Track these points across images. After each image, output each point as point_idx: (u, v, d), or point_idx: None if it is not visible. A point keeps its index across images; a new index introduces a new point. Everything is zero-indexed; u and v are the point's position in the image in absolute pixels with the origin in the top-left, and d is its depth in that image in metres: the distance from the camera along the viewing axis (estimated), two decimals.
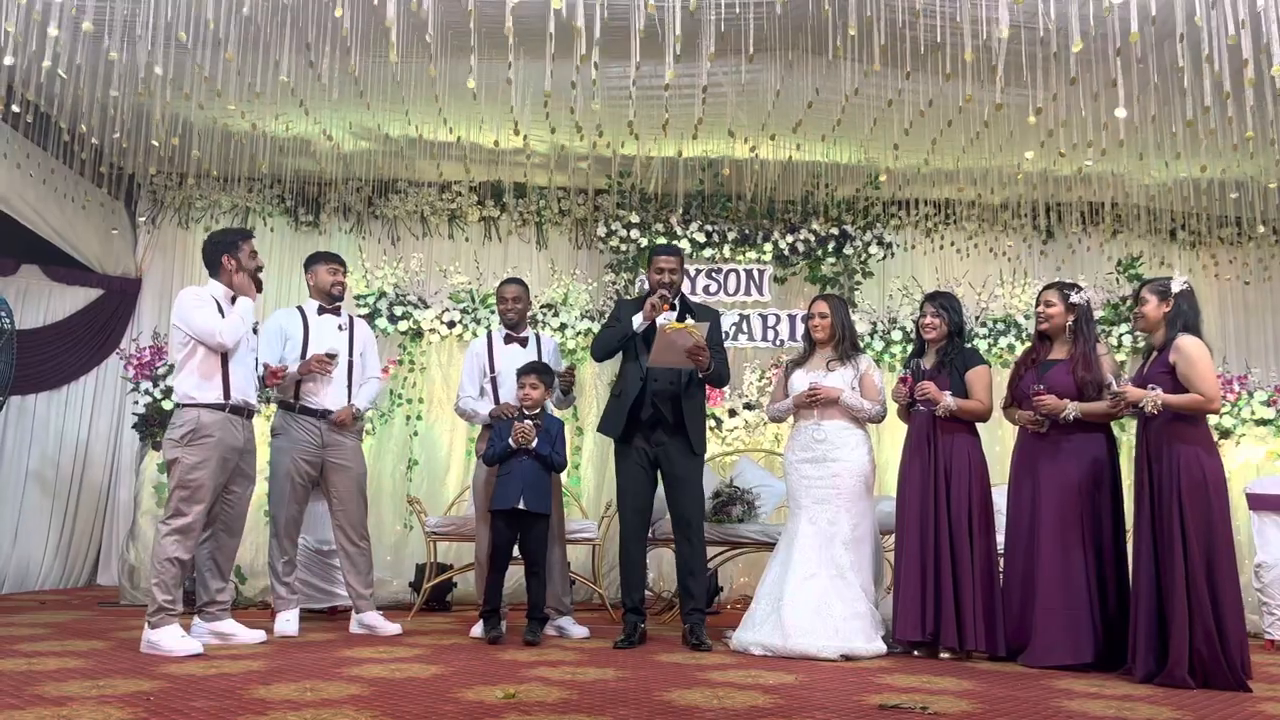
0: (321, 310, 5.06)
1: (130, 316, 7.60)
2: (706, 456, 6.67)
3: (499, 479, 4.76)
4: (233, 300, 4.46)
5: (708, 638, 4.64)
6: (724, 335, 7.17)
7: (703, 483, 4.93)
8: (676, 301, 4.85)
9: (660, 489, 4.90)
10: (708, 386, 5.08)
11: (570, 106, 5.53)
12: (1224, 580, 3.88)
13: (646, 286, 4.97)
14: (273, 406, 6.19)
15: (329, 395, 4.93)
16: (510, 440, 4.69)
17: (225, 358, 4.36)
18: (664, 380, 4.74)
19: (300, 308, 5.11)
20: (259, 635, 4.50)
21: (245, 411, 4.47)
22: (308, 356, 4.88)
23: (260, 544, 6.12)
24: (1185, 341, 4.05)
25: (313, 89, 5.66)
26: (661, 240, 7.26)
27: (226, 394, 4.36)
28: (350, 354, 5.03)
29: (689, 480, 4.78)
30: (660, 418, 4.74)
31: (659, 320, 4.66)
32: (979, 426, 4.75)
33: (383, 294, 6.96)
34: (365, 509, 5.10)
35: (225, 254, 4.47)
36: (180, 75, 5.49)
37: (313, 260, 5.17)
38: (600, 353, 4.98)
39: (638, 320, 4.77)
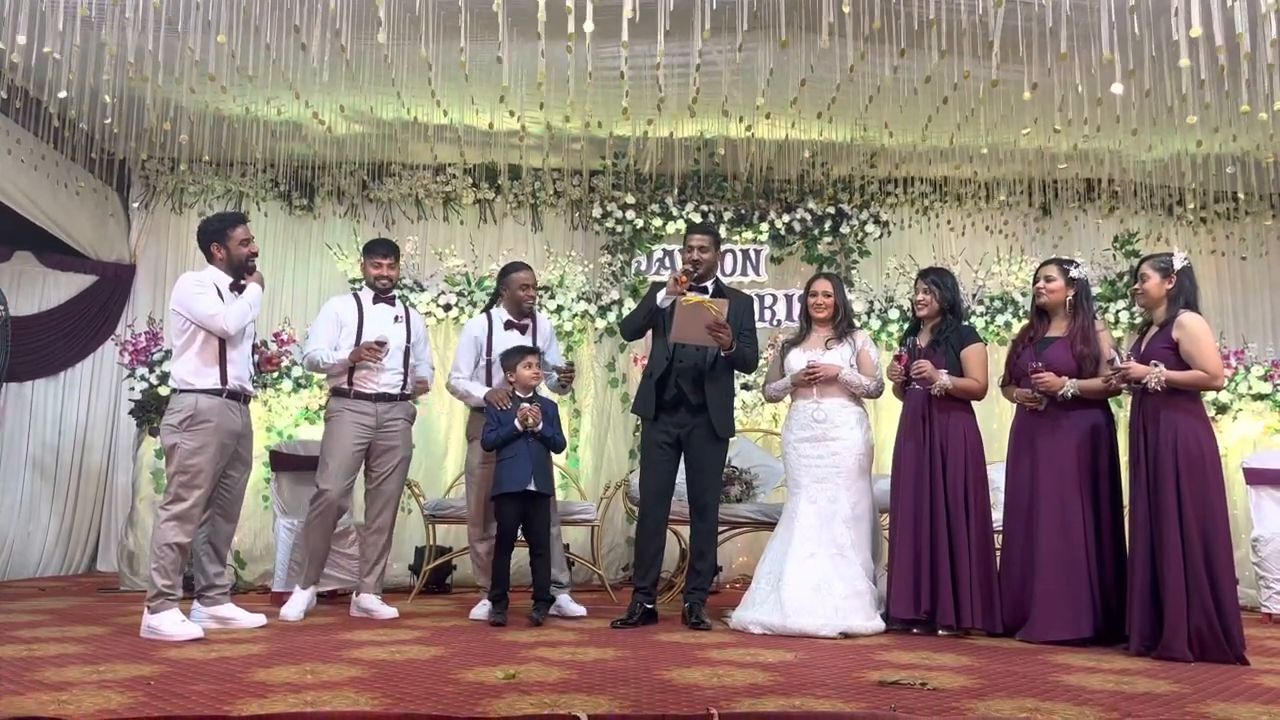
0: (376, 299, 5.09)
1: (125, 302, 7.57)
2: None
3: (502, 462, 4.76)
4: (233, 286, 4.45)
5: (707, 617, 4.65)
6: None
7: (722, 467, 4.96)
8: (710, 285, 4.85)
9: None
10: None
11: (566, 85, 5.50)
12: (1220, 554, 3.90)
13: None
14: (271, 390, 6.22)
15: (382, 380, 4.97)
16: (517, 423, 4.69)
17: (224, 344, 4.36)
18: (689, 360, 4.75)
19: (357, 295, 5.18)
20: (259, 619, 4.51)
21: (242, 397, 4.48)
22: (359, 344, 4.93)
23: (259, 529, 6.14)
24: (1189, 318, 4.05)
25: (304, 72, 5.63)
26: (658, 221, 7.25)
27: (224, 379, 4.35)
28: (407, 340, 5.07)
29: (708, 467, 4.78)
30: (683, 398, 4.74)
31: (679, 297, 4.66)
32: (975, 404, 4.76)
33: None
34: (401, 490, 5.17)
35: (214, 243, 4.47)
36: (171, 59, 5.45)
37: (363, 251, 5.22)
38: (628, 331, 5.07)
39: (661, 295, 4.75)
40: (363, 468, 5.04)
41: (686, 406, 4.74)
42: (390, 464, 5.03)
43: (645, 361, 5.15)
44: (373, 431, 4.96)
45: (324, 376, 5.32)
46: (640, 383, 5.04)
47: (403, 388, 5.05)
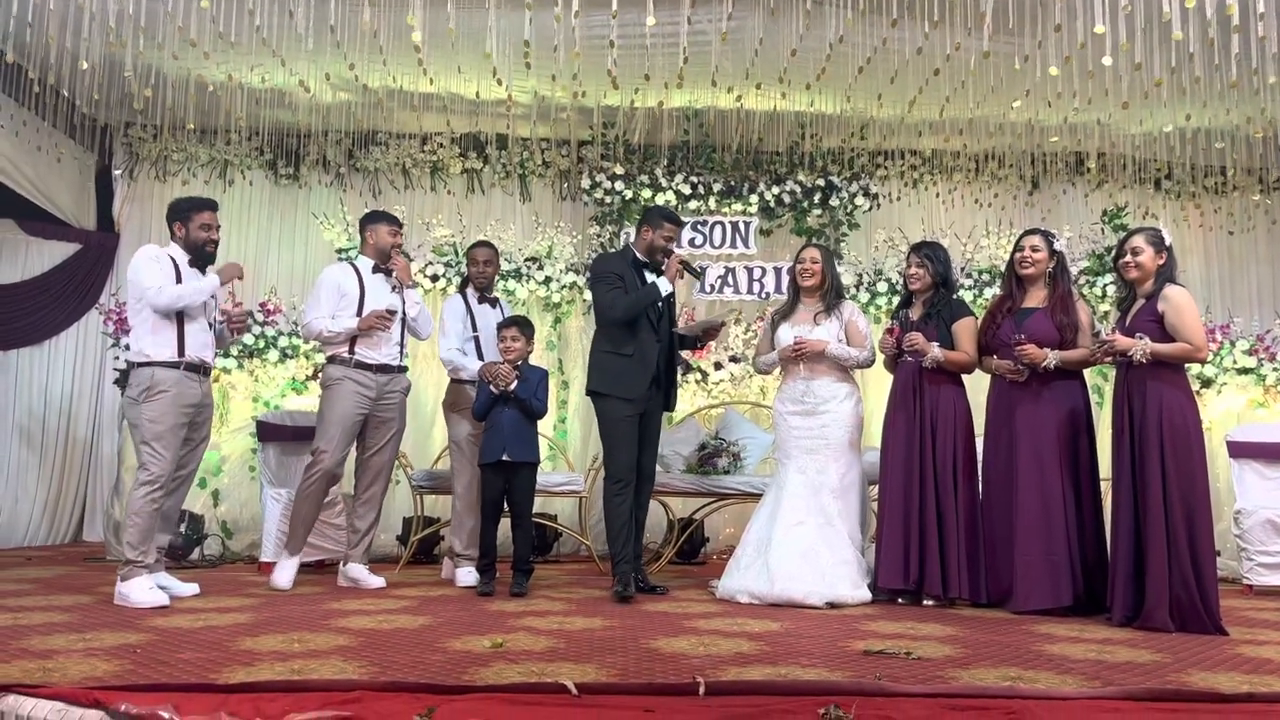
0: (376, 269, 5.02)
1: (109, 271, 7.51)
2: (693, 409, 6.74)
3: (484, 433, 4.82)
4: (191, 263, 4.43)
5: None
6: (708, 288, 7.28)
7: None
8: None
9: None
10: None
11: (553, 55, 5.45)
12: (1201, 526, 3.93)
13: (642, 242, 4.91)
14: (257, 360, 6.18)
15: (384, 350, 4.93)
16: (491, 387, 4.73)
17: (181, 315, 4.33)
18: (666, 342, 4.88)
19: (354, 264, 5.07)
20: (192, 588, 4.47)
21: (201, 369, 4.43)
22: (365, 313, 4.88)
23: (245, 500, 6.13)
24: (1174, 291, 4.07)
25: (288, 38, 5.55)
26: (647, 192, 7.19)
27: (181, 351, 4.33)
28: (404, 311, 5.03)
29: (658, 436, 4.98)
30: (658, 376, 4.84)
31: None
32: (965, 377, 4.77)
33: None
34: (394, 462, 5.15)
35: (177, 221, 4.49)
36: (153, 24, 5.37)
37: (373, 219, 5.11)
38: (629, 316, 4.75)
39: (665, 285, 4.78)
40: (357, 442, 5.01)
41: (657, 383, 4.83)
42: (385, 436, 5.01)
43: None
44: (372, 403, 4.92)
45: (313, 346, 5.28)
46: (613, 361, 4.78)
47: (400, 359, 5.03)
